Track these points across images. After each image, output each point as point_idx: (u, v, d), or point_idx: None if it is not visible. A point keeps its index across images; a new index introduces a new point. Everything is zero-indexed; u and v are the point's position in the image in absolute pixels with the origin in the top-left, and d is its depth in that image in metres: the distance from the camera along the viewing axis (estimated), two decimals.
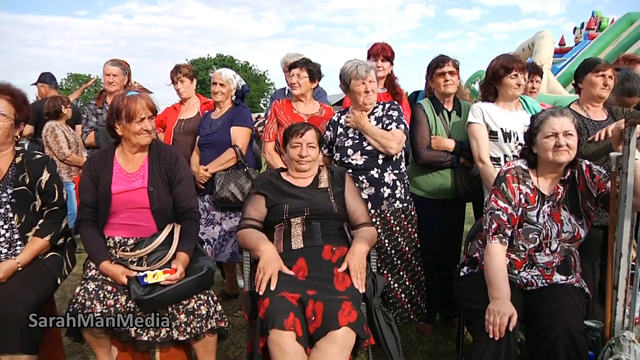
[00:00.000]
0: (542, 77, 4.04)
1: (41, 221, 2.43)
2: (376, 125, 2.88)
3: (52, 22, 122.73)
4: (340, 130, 2.98)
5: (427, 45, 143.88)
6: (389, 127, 2.84)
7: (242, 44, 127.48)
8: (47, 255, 2.44)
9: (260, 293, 2.19)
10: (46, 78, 6.00)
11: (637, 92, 3.24)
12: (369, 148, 2.85)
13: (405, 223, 2.93)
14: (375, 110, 2.95)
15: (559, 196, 2.29)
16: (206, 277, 2.30)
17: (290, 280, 2.23)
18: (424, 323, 3.25)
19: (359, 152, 2.86)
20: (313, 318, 2.07)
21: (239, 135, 3.58)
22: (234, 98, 3.74)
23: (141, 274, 2.24)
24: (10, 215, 2.37)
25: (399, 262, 2.93)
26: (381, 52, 3.66)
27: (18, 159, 2.46)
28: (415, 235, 2.97)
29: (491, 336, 2.03)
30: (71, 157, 5.22)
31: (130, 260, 2.34)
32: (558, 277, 2.28)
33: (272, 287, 2.18)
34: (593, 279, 2.64)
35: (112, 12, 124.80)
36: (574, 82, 2.89)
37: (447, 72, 3.06)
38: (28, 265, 2.34)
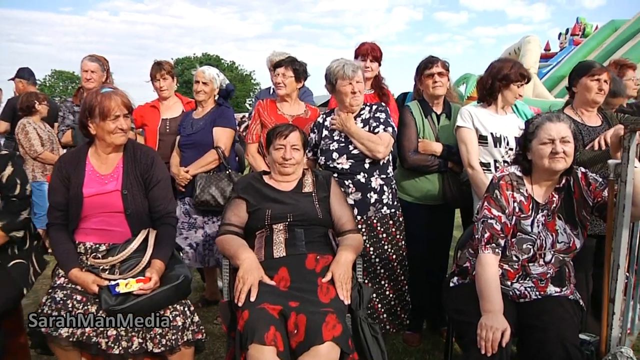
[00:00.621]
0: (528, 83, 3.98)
1: None
2: (363, 127, 2.77)
3: (36, 17, 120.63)
4: (325, 132, 2.86)
5: (414, 48, 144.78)
6: (376, 130, 2.73)
7: (228, 44, 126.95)
8: (11, 263, 2.28)
9: (240, 304, 2.06)
10: (24, 73, 5.79)
11: (621, 94, 3.20)
12: (355, 152, 2.73)
13: (393, 230, 2.82)
14: (362, 112, 2.84)
15: (554, 205, 2.20)
16: (182, 286, 2.17)
17: (272, 291, 2.10)
18: (411, 332, 3.15)
19: (345, 155, 2.74)
20: (295, 332, 1.95)
21: (222, 136, 3.45)
22: (217, 97, 3.61)
23: (113, 282, 2.10)
24: None
25: (382, 270, 2.82)
26: (370, 52, 3.56)
27: None
28: (403, 242, 2.87)
29: (483, 352, 1.93)
30: (44, 155, 5.02)
31: (101, 267, 2.19)
32: (552, 289, 2.19)
33: (252, 298, 2.05)
34: (587, 290, 2.55)
35: (98, 9, 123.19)
36: (567, 85, 2.81)
37: (435, 73, 2.96)
38: None
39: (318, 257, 2.27)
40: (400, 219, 2.86)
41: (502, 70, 2.82)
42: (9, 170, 2.29)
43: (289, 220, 2.36)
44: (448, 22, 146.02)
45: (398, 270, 2.86)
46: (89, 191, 2.29)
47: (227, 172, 3.38)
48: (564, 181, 2.21)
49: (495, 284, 2.10)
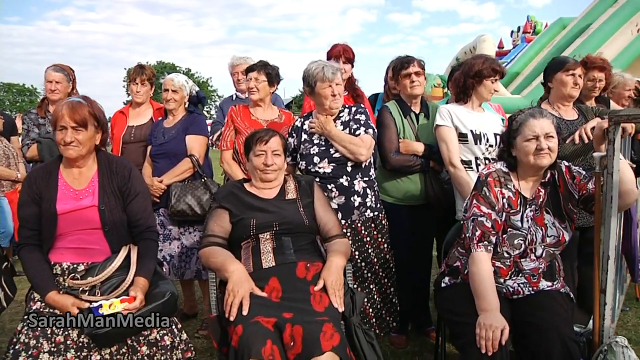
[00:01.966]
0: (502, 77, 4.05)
1: None
2: (343, 130, 2.73)
3: None
4: (304, 136, 2.80)
5: (369, 49, 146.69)
6: (357, 132, 2.69)
7: (183, 51, 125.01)
8: None
9: (231, 319, 1.97)
10: None
11: None
12: (336, 155, 2.68)
13: (375, 233, 2.79)
14: (341, 115, 2.79)
15: (541, 199, 2.22)
16: (169, 303, 2.06)
17: (264, 303, 2.02)
18: (397, 335, 3.12)
19: (326, 159, 2.69)
20: (292, 344, 1.88)
21: (195, 144, 3.34)
22: (187, 105, 3.49)
23: (95, 304, 1.97)
24: None
25: (368, 274, 2.79)
26: (343, 54, 3.53)
27: None
28: (386, 245, 2.83)
29: (483, 351, 1.91)
30: None
31: (81, 289, 2.05)
32: (544, 284, 2.21)
33: (245, 312, 1.97)
34: (573, 282, 2.59)
35: (46, 19, 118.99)
36: (542, 81, 2.85)
37: (412, 72, 2.95)
38: None
39: (308, 264, 2.21)
40: (384, 222, 2.83)
41: (474, 67, 2.84)
42: None
43: (275, 228, 2.29)
44: (401, 23, 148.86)
45: (381, 273, 2.83)
46: (63, 208, 2.15)
47: (203, 180, 3.27)
48: (549, 175, 2.23)
49: (490, 282, 2.09)
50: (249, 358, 1.79)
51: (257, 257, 2.22)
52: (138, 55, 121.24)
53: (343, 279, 2.20)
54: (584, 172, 2.22)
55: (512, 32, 17.53)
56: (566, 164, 2.25)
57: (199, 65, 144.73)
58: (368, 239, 2.74)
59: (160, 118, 3.55)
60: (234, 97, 4.28)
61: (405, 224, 3.00)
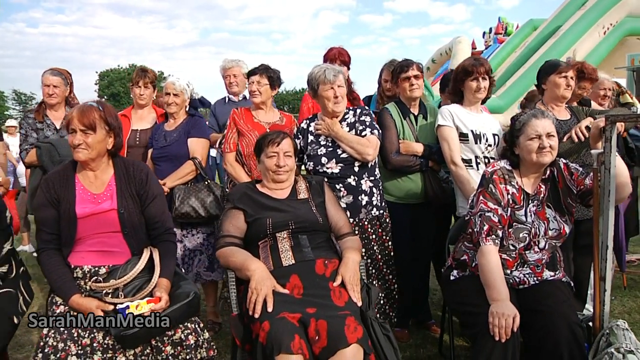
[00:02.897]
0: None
1: None
2: (349, 131, 2.82)
3: None
4: (311, 138, 2.88)
5: None
6: (363, 133, 2.79)
7: (156, 54, 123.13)
8: None
9: (256, 316, 2.03)
10: None
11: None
12: (343, 155, 2.77)
13: (380, 230, 2.88)
14: (346, 116, 2.88)
15: (542, 195, 2.35)
16: (193, 303, 2.11)
17: (287, 300, 2.09)
18: (399, 329, 3.22)
19: (334, 160, 2.77)
20: (317, 338, 1.95)
21: (197, 146, 3.38)
22: (187, 108, 3.53)
23: (121, 305, 1.99)
24: None
25: (373, 270, 2.89)
26: (338, 57, 3.63)
27: None
28: (389, 242, 2.94)
29: (497, 339, 2.02)
30: None
31: (104, 292, 2.08)
32: (547, 274, 2.34)
33: (269, 309, 2.03)
34: (569, 271, 2.74)
35: (13, 21, 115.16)
36: (536, 83, 3.00)
37: (412, 76, 3.06)
38: None
39: (326, 261, 2.28)
40: (387, 220, 2.93)
41: (460, 66, 3.00)
42: None
43: (291, 227, 2.35)
44: (373, 24, 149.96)
45: (385, 270, 2.93)
46: (82, 211, 2.17)
47: (206, 182, 3.31)
48: (548, 172, 2.36)
49: (499, 273, 2.21)
50: (279, 353, 1.85)
51: (276, 256, 2.28)
52: (110, 58, 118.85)
53: (359, 275, 2.28)
54: (581, 169, 2.36)
55: (484, 33, 17.95)
56: (564, 161, 2.39)
57: (172, 68, 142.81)
58: (374, 236, 2.84)
59: (160, 122, 3.58)
60: (227, 99, 4.31)
61: (406, 222, 3.11)
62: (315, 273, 2.22)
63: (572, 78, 2.85)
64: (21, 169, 6.08)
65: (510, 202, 2.31)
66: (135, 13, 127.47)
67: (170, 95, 3.43)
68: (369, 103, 4.12)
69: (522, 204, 2.32)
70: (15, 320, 2.13)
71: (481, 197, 2.32)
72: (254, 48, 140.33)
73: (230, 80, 4.17)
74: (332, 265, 2.28)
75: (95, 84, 49.16)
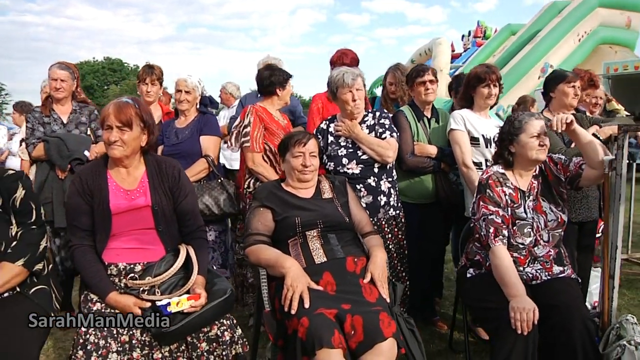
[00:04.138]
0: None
1: (14, 243, 2.07)
2: (369, 133, 2.91)
3: None
4: (330, 138, 2.95)
5: (318, 49, 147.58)
6: (383, 136, 2.88)
7: (131, 47, 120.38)
8: (32, 290, 2.11)
9: (293, 312, 2.10)
10: None
11: None
12: (364, 157, 2.86)
13: (396, 230, 2.99)
14: (365, 119, 2.97)
15: (536, 190, 2.53)
16: (229, 300, 2.15)
17: (322, 296, 2.17)
18: None
19: (354, 161, 2.86)
20: (353, 332, 2.03)
21: (210, 144, 3.41)
22: (198, 106, 3.55)
23: (162, 302, 2.03)
24: None
25: (388, 270, 2.98)
26: (337, 60, 3.70)
27: None
28: (404, 242, 3.04)
29: (519, 332, 2.15)
30: None
31: (141, 289, 2.11)
32: (557, 269, 2.48)
33: (306, 305, 2.10)
34: (575, 269, 2.90)
35: None
36: (543, 90, 3.16)
37: (427, 81, 3.18)
38: (11, 305, 1.99)
39: (355, 259, 2.37)
40: (403, 220, 3.04)
41: (467, 76, 3.13)
42: (20, 192, 2.12)
43: (320, 226, 2.43)
44: (350, 24, 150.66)
45: (399, 267, 3.04)
46: (117, 207, 2.19)
47: (219, 180, 3.35)
48: (537, 168, 2.55)
49: (513, 271, 2.34)
50: (321, 347, 1.93)
51: (307, 254, 2.35)
52: (84, 50, 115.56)
53: (387, 272, 2.38)
54: (563, 157, 2.58)
55: (463, 36, 18.34)
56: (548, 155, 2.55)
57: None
58: (390, 235, 2.94)
59: (169, 118, 3.59)
60: (258, 94, 4.30)
61: (417, 221, 3.22)
62: (347, 270, 2.31)
63: (578, 88, 3.02)
64: (13, 162, 5.90)
65: (509, 202, 2.46)
66: (111, 5, 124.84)
67: (182, 92, 3.45)
68: (373, 105, 4.23)
69: (519, 202, 2.48)
70: (52, 316, 2.13)
71: (481, 203, 2.46)
72: (232, 44, 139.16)
73: None
74: (360, 262, 2.37)
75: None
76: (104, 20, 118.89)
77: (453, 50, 18.28)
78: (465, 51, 17.51)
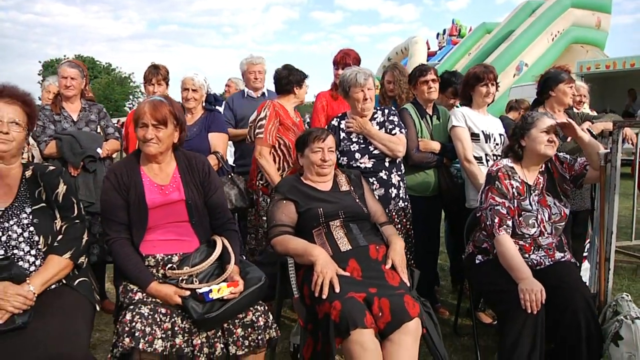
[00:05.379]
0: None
1: (59, 237, 2.16)
2: (379, 130, 3.07)
3: None
4: (342, 135, 3.11)
5: (291, 46, 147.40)
6: (393, 132, 3.06)
7: (100, 44, 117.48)
8: (76, 282, 2.20)
9: (324, 297, 2.25)
10: None
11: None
12: (375, 152, 3.03)
13: (405, 220, 3.17)
14: (375, 116, 3.14)
15: (541, 185, 2.74)
16: (264, 287, 2.28)
17: (350, 281, 2.33)
18: None
19: (367, 155, 3.03)
20: (380, 314, 2.20)
21: (219, 141, 3.54)
22: (204, 104, 3.66)
23: (203, 289, 2.14)
24: (36, 238, 2.10)
25: None
26: (341, 61, 3.84)
27: (28, 173, 2.19)
28: (412, 231, 3.23)
29: (529, 311, 2.35)
30: None
31: (180, 278, 2.23)
32: (559, 255, 2.70)
33: (337, 290, 2.25)
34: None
35: None
36: (539, 89, 3.38)
37: (430, 80, 3.37)
38: (61, 297, 2.09)
39: (377, 247, 2.54)
40: (410, 211, 3.22)
41: (466, 75, 3.33)
42: (62, 188, 2.21)
43: (341, 217, 2.59)
44: (324, 21, 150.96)
45: (408, 256, 3.21)
46: (152, 202, 2.30)
47: (230, 175, 3.47)
48: (544, 165, 2.76)
49: (518, 256, 2.55)
50: (355, 328, 2.09)
51: (333, 242, 2.51)
52: (52, 47, 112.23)
53: (406, 258, 2.56)
54: (568, 157, 2.79)
55: (438, 34, 18.72)
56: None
57: (119, 60, 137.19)
58: (399, 226, 3.12)
59: None
60: (245, 94, 4.42)
61: (419, 213, 3.40)
62: (370, 257, 2.48)
63: (574, 88, 3.26)
64: None
65: (516, 194, 2.66)
66: (80, 2, 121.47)
67: (189, 90, 3.56)
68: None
69: (525, 195, 2.68)
70: (97, 308, 2.23)
71: (489, 193, 2.66)
72: (203, 41, 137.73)
73: (256, 76, 4.30)
74: (382, 250, 2.54)
75: (39, 74, 46.62)
76: (73, 17, 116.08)
77: (428, 49, 18.67)
78: (440, 49, 17.91)
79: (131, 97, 48.35)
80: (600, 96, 9.49)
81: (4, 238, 2.05)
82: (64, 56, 48.86)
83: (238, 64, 4.50)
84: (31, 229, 2.10)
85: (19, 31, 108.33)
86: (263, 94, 4.40)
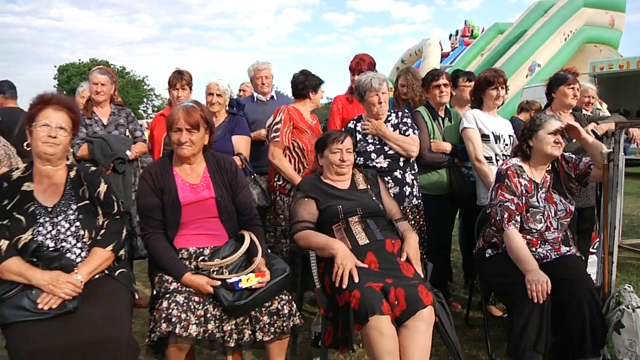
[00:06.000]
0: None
1: (102, 231, 2.38)
2: (393, 131, 3.25)
3: None
4: (359, 136, 3.30)
5: (303, 48, 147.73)
6: (407, 133, 3.24)
7: (115, 48, 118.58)
8: (117, 272, 2.41)
9: (344, 286, 2.43)
10: (3, 87, 5.28)
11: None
12: (390, 152, 3.21)
13: (418, 217, 3.35)
14: (389, 118, 3.32)
15: (548, 183, 2.89)
16: (288, 278, 2.47)
17: (368, 272, 2.51)
18: None
19: (382, 155, 3.21)
20: (396, 302, 2.37)
21: (242, 143, 3.73)
22: (227, 108, 3.86)
23: (232, 280, 2.34)
24: (82, 232, 2.32)
25: None
26: (356, 67, 4.01)
27: (72, 173, 2.41)
28: (425, 228, 3.40)
29: (536, 301, 2.51)
30: None
31: (212, 269, 2.43)
32: (564, 249, 2.85)
33: (356, 280, 2.43)
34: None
35: None
36: (546, 91, 3.53)
37: (442, 84, 3.54)
38: (104, 285, 2.30)
39: (393, 241, 2.72)
40: (423, 208, 3.39)
41: (477, 79, 3.49)
42: (103, 187, 2.42)
43: (360, 213, 2.77)
44: (336, 23, 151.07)
45: (421, 251, 3.38)
46: (185, 199, 2.50)
47: (252, 176, 3.66)
48: (550, 164, 2.91)
49: (526, 249, 2.70)
50: (374, 314, 2.27)
51: (351, 237, 2.70)
52: (66, 51, 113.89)
53: (419, 252, 2.74)
54: (574, 156, 2.94)
55: (451, 35, 18.78)
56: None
57: (133, 63, 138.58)
58: (413, 222, 3.29)
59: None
60: (254, 98, 4.62)
61: (431, 211, 3.57)
62: (386, 250, 2.66)
63: (577, 89, 3.40)
64: None
65: (524, 192, 2.82)
66: (94, 6, 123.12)
67: (214, 95, 3.76)
68: None
69: (533, 192, 2.84)
70: (136, 296, 2.44)
71: (499, 190, 2.82)
72: (216, 44, 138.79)
73: (263, 81, 4.48)
74: (397, 244, 2.72)
75: (54, 78, 47.50)
76: (87, 21, 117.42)
77: (442, 50, 18.75)
78: (453, 50, 17.98)
79: (145, 100, 48.86)
80: (614, 96, 9.51)
81: (54, 232, 2.28)
82: (79, 60, 49.79)
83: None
84: (77, 224, 2.32)
85: (34, 36, 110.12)
86: (272, 97, 4.55)
